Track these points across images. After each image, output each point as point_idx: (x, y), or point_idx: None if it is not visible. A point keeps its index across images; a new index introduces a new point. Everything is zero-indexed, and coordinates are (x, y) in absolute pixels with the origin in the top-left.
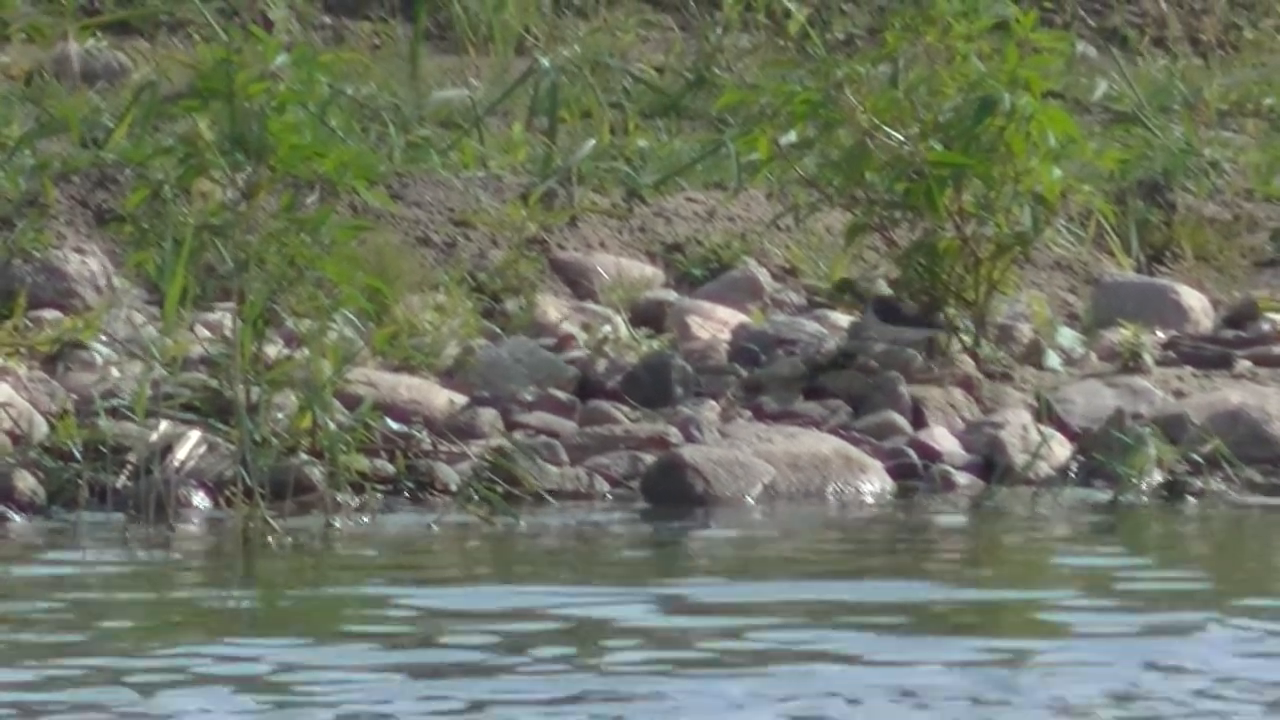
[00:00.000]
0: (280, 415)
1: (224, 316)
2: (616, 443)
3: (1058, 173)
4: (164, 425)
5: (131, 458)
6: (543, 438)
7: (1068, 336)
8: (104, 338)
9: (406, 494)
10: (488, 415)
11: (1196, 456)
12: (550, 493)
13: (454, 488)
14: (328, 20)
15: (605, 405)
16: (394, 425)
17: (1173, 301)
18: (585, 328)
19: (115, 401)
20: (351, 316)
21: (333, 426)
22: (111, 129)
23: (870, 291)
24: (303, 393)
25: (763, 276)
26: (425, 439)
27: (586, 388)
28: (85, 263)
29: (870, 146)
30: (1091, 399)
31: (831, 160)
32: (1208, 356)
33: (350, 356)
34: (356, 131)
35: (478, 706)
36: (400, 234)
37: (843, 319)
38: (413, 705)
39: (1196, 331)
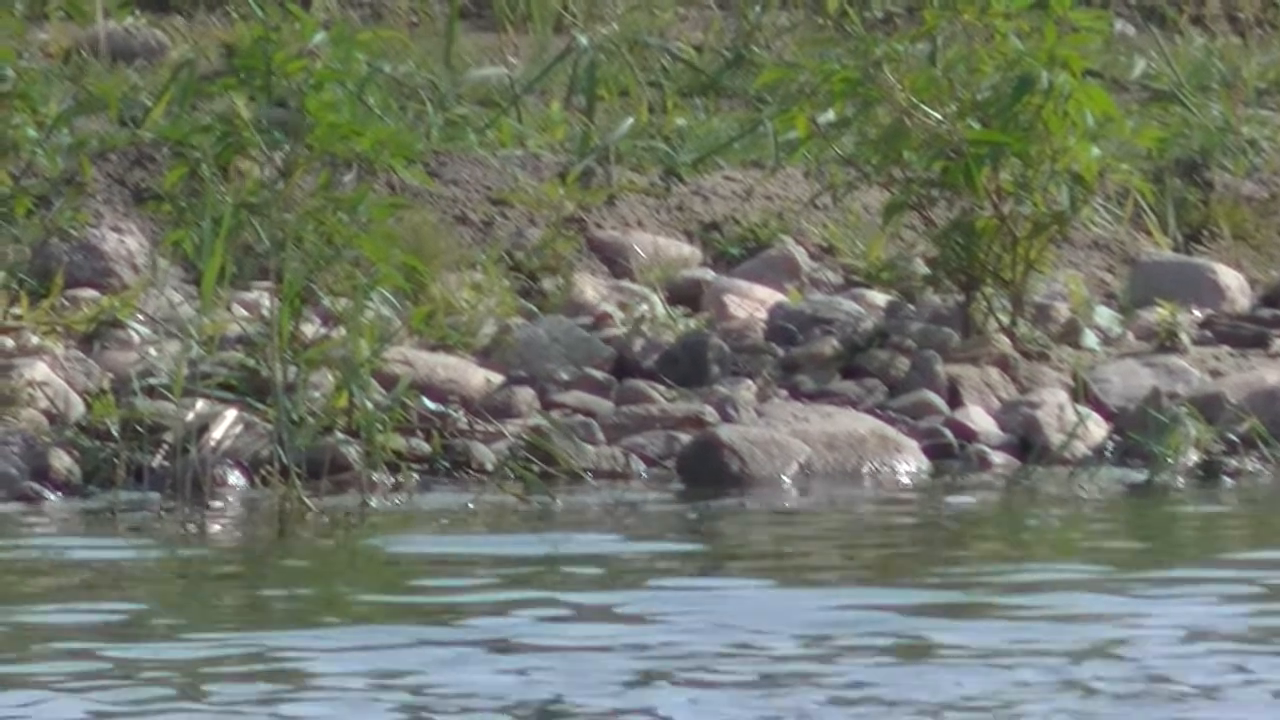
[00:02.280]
0: (317, 394)
1: (261, 295)
2: (653, 422)
3: (1095, 151)
4: (200, 404)
5: (168, 437)
6: (579, 417)
7: (1105, 316)
8: (141, 317)
9: (443, 473)
10: (524, 394)
11: (1233, 436)
12: (587, 472)
13: (490, 467)
14: None
15: (642, 384)
16: (430, 404)
17: (1210, 280)
18: (622, 307)
19: (152, 380)
20: (388, 295)
21: (369, 406)
22: (149, 107)
23: (909, 271)
24: (339, 372)
25: (800, 255)
26: (462, 418)
27: (623, 367)
28: (123, 241)
29: (908, 125)
30: (1128, 378)
31: (869, 139)
32: (1245, 336)
33: (387, 335)
34: (394, 110)
35: None
36: (437, 213)
37: (880, 298)
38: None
39: (1233, 310)
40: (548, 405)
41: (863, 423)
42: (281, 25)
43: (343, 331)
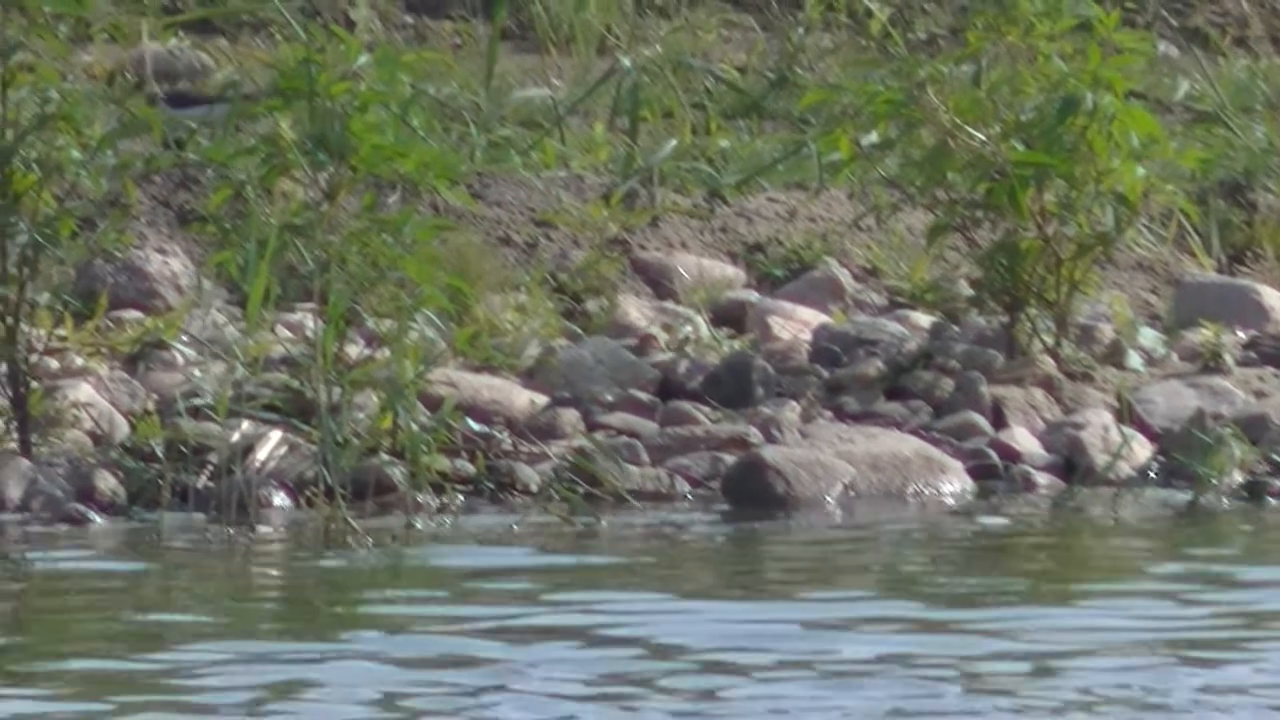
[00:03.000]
0: (361, 415)
1: (305, 317)
2: (697, 443)
3: (1140, 172)
4: (245, 425)
5: (213, 458)
6: (624, 438)
7: (1149, 337)
8: (185, 338)
9: (487, 495)
10: (569, 416)
11: (1277, 456)
12: (631, 493)
13: (535, 488)
14: (409, 20)
15: (686, 406)
16: (475, 426)
17: (1254, 301)
18: (666, 328)
19: (196, 402)
20: (433, 316)
21: (414, 427)
22: (193, 129)
23: (952, 293)
24: (384, 393)
25: (844, 277)
26: (506, 439)
27: (667, 388)
28: (167, 263)
29: (952, 146)
30: (1172, 399)
31: (913, 160)
32: None
33: (432, 357)
34: (438, 131)
35: None
36: (481, 234)
37: (924, 319)
38: None
39: (1277, 331)
40: (592, 426)
41: (907, 444)
42: (326, 47)
43: (387, 353)
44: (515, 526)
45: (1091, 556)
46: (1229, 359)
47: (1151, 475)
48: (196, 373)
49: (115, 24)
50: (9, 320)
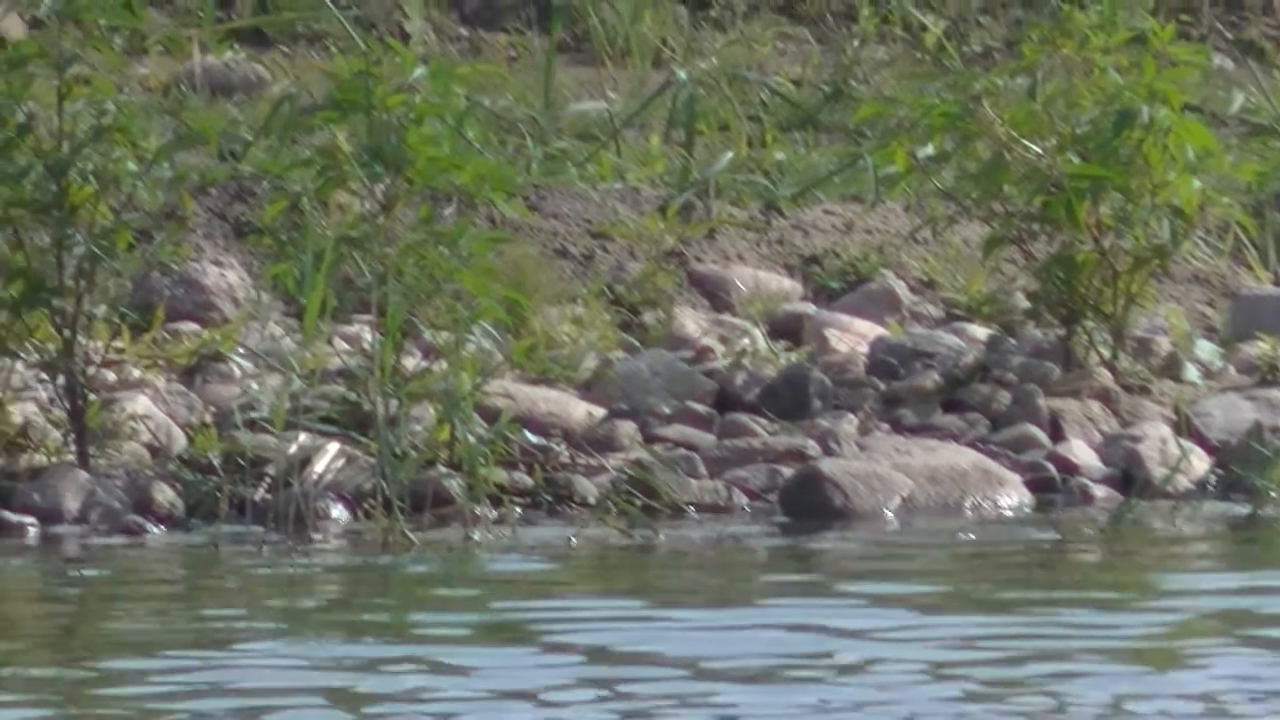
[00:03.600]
0: (418, 428)
1: (362, 329)
2: (755, 455)
3: (1196, 185)
4: (303, 438)
5: (270, 470)
6: (681, 451)
7: (1206, 349)
8: (242, 350)
9: (545, 507)
10: (626, 428)
11: None
12: (689, 505)
13: (592, 501)
14: (464, 32)
15: (743, 418)
16: (532, 438)
17: None
18: (723, 340)
19: (253, 414)
20: (490, 329)
21: (471, 439)
22: (249, 141)
23: (1009, 305)
24: (441, 405)
25: (900, 289)
26: (563, 452)
27: (725, 400)
28: (223, 275)
29: (1008, 159)
30: (1230, 412)
31: (969, 173)
32: None
33: (489, 369)
34: (494, 144)
35: None
36: (538, 246)
37: (981, 332)
38: None
39: None
40: (649, 439)
41: (964, 456)
42: (381, 59)
43: (444, 365)
44: (573, 539)
45: (1149, 569)
46: None
47: (1209, 488)
48: (254, 385)
49: (170, 36)
50: (66, 332)
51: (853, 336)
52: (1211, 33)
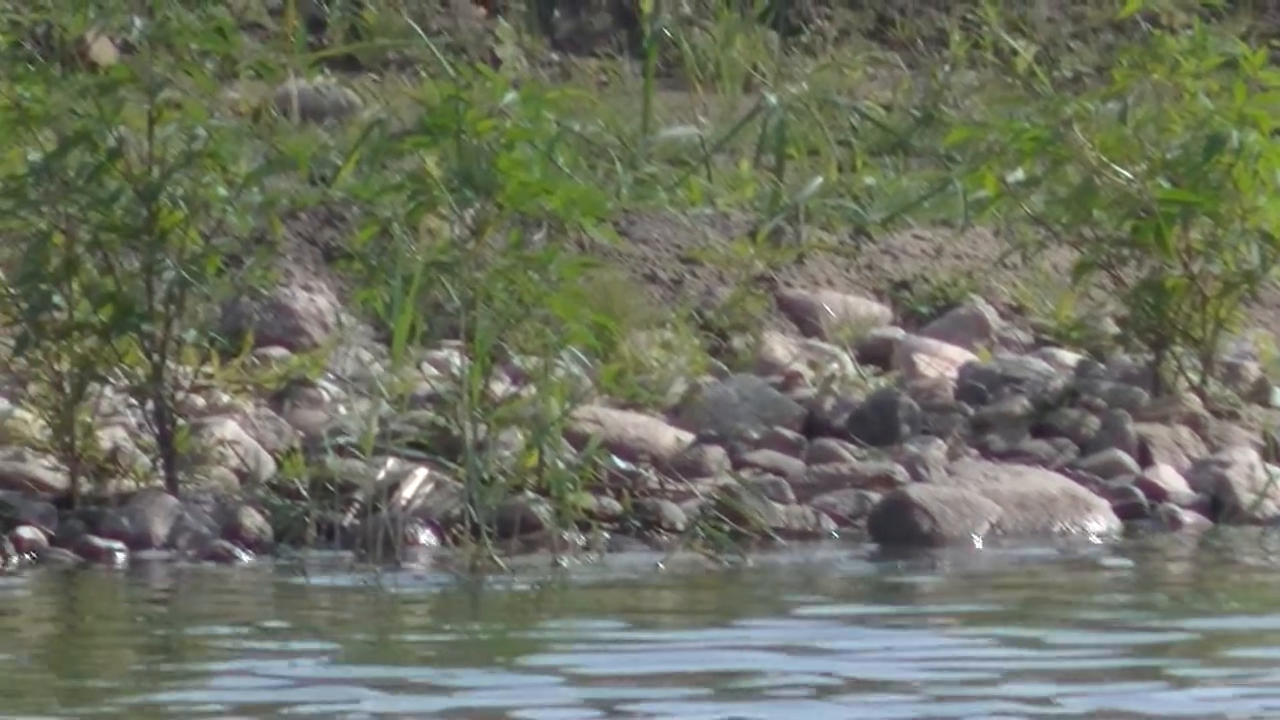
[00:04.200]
0: (507, 453)
1: (451, 354)
2: (843, 481)
3: None
4: (391, 463)
5: (358, 495)
6: (769, 476)
7: None
8: (331, 375)
9: (633, 532)
10: (714, 453)
11: None
12: (777, 531)
13: (681, 526)
14: (555, 57)
15: (832, 443)
16: (621, 463)
17: None
18: (812, 365)
19: (342, 439)
20: (579, 354)
21: (560, 464)
22: (339, 166)
23: (1098, 330)
24: (530, 430)
25: (990, 314)
26: (652, 477)
27: (813, 426)
28: (313, 300)
29: (1098, 184)
30: None
31: (1059, 198)
32: None
33: (578, 394)
34: (584, 168)
35: None
36: (627, 271)
37: (1070, 357)
38: None
39: None
40: (738, 464)
41: (1053, 482)
42: (472, 84)
43: (533, 390)
44: (660, 565)
45: (1237, 595)
46: None
47: None
48: (342, 410)
49: (262, 61)
50: (156, 358)
51: (941, 362)
52: None
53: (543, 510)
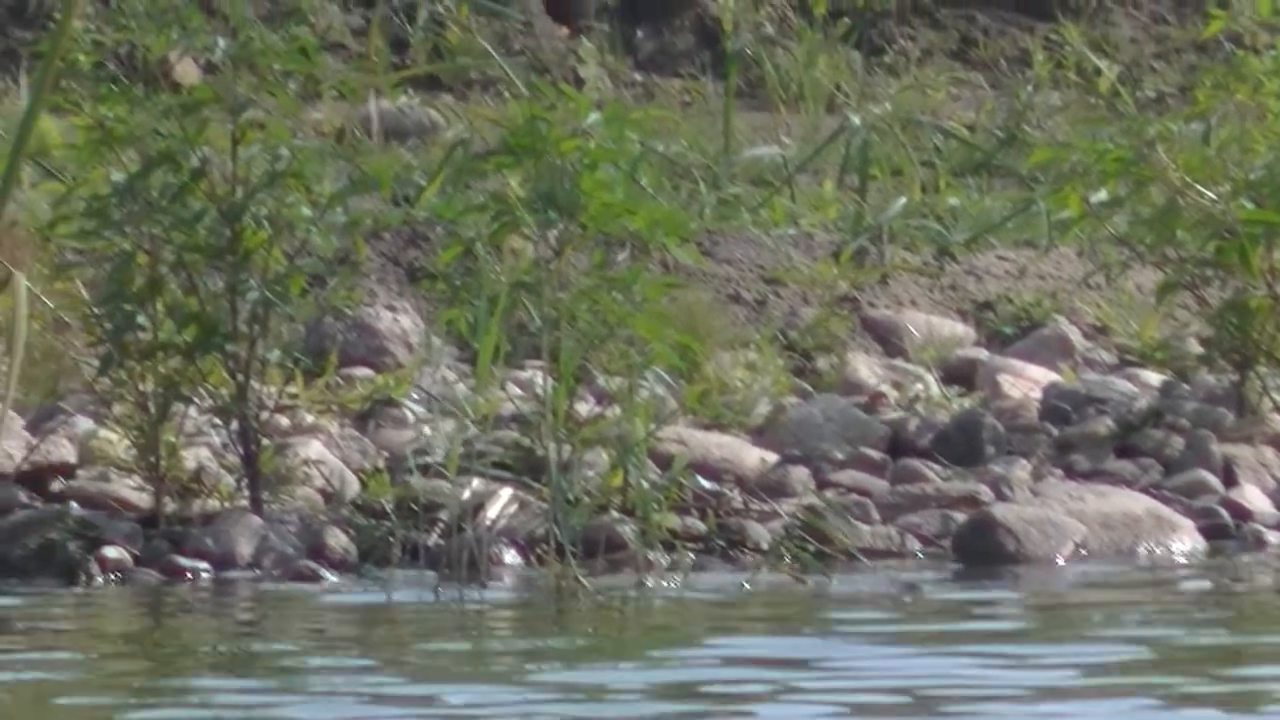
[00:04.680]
0: (591, 473)
1: (535, 374)
2: (928, 501)
3: None
4: (476, 483)
5: (443, 515)
6: (854, 496)
7: None
8: (415, 395)
9: (718, 552)
10: (799, 474)
11: None
12: (862, 551)
13: (765, 546)
14: (638, 77)
15: (916, 464)
16: (705, 483)
17: None
18: (896, 386)
19: (427, 459)
20: (663, 374)
21: (645, 485)
22: (423, 186)
23: (1182, 351)
24: (615, 451)
25: (1074, 335)
26: (737, 497)
27: (898, 446)
28: (397, 320)
29: (1181, 204)
30: None
31: (1142, 218)
32: None
33: (662, 414)
34: (667, 189)
35: None
36: (711, 291)
37: (1154, 378)
38: None
39: None
40: (822, 484)
41: (1138, 502)
42: (555, 104)
43: (617, 410)
44: (745, 585)
45: None
46: None
47: None
48: (427, 430)
49: (345, 81)
50: (240, 377)
51: (1026, 382)
52: None
53: (627, 530)
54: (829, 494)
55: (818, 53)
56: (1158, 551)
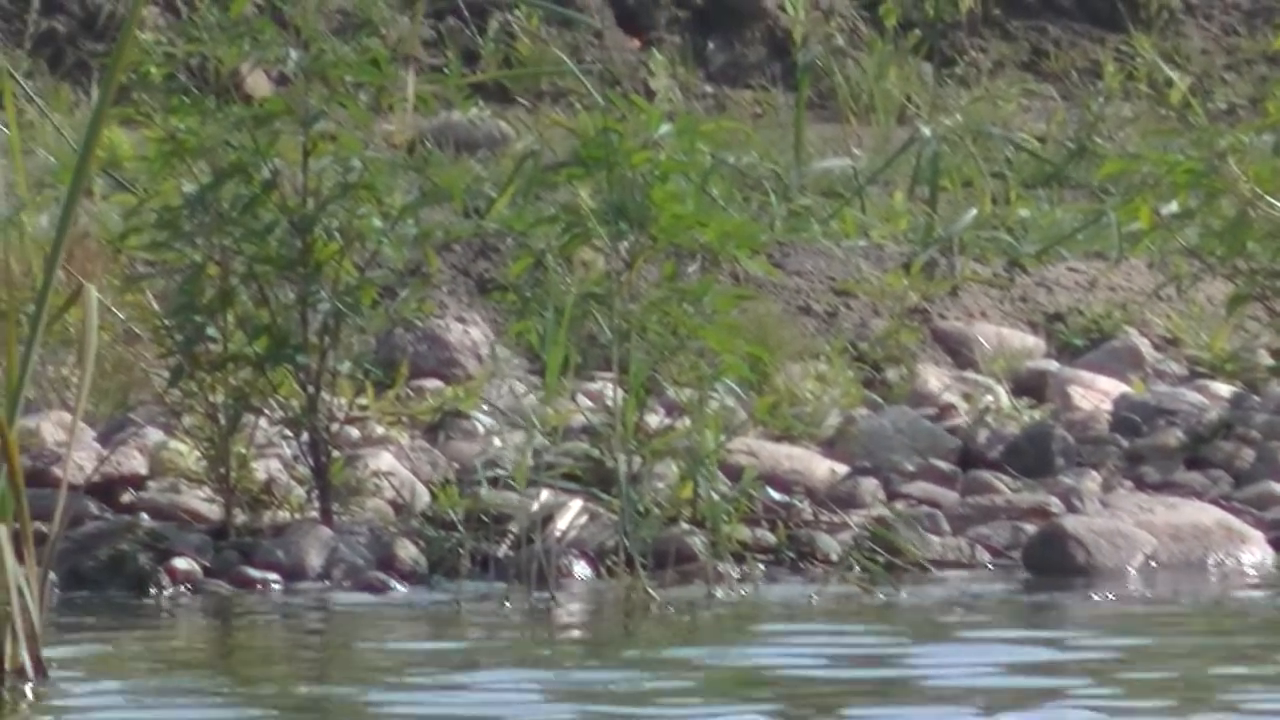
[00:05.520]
0: (661, 485)
1: (605, 386)
2: (998, 513)
3: None
4: (545, 494)
5: (513, 527)
6: (924, 508)
7: None
8: (485, 407)
9: (788, 564)
10: (869, 485)
11: None
12: (932, 563)
13: (835, 558)
14: (709, 89)
15: (987, 475)
16: (775, 495)
17: None
18: (966, 397)
19: (496, 471)
20: (733, 386)
21: (715, 496)
22: (493, 198)
23: (1253, 362)
24: (685, 462)
25: (1144, 347)
26: (807, 509)
27: (968, 458)
28: (467, 332)
29: (1252, 216)
30: None
31: (1213, 230)
32: None
33: (732, 426)
34: (738, 200)
35: None
36: (781, 303)
37: (1224, 389)
38: None
39: None
40: (892, 496)
41: (1208, 514)
42: (626, 116)
43: (687, 422)
44: (814, 597)
45: None
46: None
47: None
48: (496, 442)
49: (416, 93)
50: (310, 389)
51: (1096, 394)
52: None
53: (697, 542)
54: (899, 505)
55: (888, 64)
56: (1227, 563)
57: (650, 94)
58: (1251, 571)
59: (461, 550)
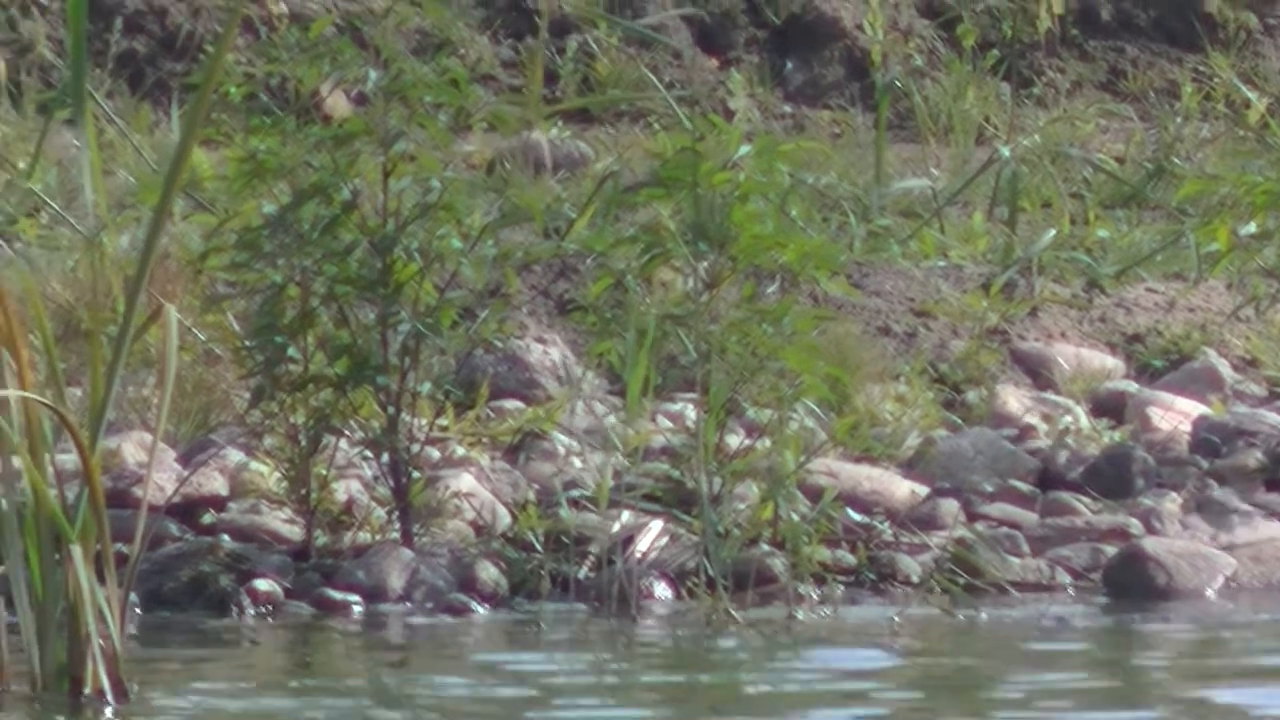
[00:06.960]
0: (742, 506)
1: (685, 407)
2: (1078, 534)
3: None
4: (626, 516)
5: (593, 548)
6: (1004, 529)
7: None
8: (565, 428)
9: (868, 585)
10: (949, 506)
11: None
12: (1012, 584)
13: (915, 579)
14: (788, 109)
15: (1066, 496)
16: (855, 516)
17: None
18: (1046, 419)
19: (577, 492)
20: (813, 406)
21: (795, 517)
22: (573, 218)
23: None
24: (765, 483)
25: (1223, 368)
26: (887, 530)
27: (1047, 479)
28: (547, 353)
29: None
30: None
31: None
32: None
33: (812, 447)
34: (817, 221)
35: None
36: (861, 324)
37: None
38: None
39: None
40: (972, 517)
41: None
42: (705, 136)
43: (767, 443)
44: (895, 618)
45: None
46: None
47: None
48: (577, 463)
49: (496, 113)
50: (391, 410)
51: (1175, 415)
52: None
53: (778, 563)
54: (979, 526)
55: (967, 85)
56: None
57: (729, 114)
58: None
59: (542, 572)
